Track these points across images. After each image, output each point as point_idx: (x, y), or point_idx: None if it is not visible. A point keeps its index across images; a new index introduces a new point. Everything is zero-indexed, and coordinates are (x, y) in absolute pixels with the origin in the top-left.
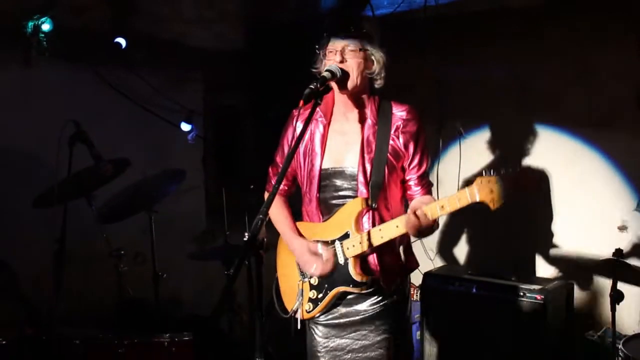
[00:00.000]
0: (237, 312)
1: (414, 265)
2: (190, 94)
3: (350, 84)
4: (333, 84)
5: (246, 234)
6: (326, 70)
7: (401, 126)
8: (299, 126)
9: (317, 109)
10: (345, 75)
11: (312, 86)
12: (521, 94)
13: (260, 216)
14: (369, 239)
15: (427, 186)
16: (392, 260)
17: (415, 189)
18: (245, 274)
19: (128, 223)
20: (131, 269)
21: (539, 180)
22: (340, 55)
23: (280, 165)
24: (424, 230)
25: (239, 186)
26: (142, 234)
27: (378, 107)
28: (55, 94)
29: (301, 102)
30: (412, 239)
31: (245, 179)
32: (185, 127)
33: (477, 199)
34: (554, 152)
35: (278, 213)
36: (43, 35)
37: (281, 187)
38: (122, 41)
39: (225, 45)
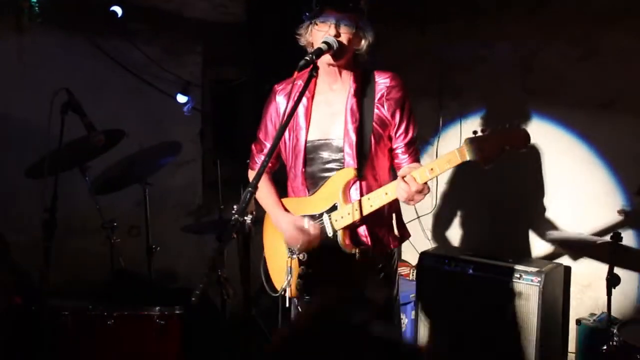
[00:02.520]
0: (223, 285)
1: (406, 235)
2: (188, 66)
3: (344, 57)
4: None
5: (235, 206)
6: (323, 42)
7: (385, 93)
8: (281, 101)
9: (299, 82)
10: (341, 47)
11: (307, 57)
12: (524, 73)
13: (250, 189)
14: (357, 209)
15: (414, 154)
16: (383, 230)
17: (402, 157)
18: (235, 249)
19: (122, 195)
20: (124, 241)
21: (529, 137)
22: (335, 29)
23: (264, 142)
24: (414, 195)
25: (235, 160)
26: (136, 207)
27: (362, 77)
28: (49, 62)
29: (295, 73)
30: (411, 217)
31: (241, 153)
32: (181, 98)
33: (467, 158)
34: (555, 133)
35: (263, 190)
36: (35, 0)
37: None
38: (118, 9)
39: (225, 18)
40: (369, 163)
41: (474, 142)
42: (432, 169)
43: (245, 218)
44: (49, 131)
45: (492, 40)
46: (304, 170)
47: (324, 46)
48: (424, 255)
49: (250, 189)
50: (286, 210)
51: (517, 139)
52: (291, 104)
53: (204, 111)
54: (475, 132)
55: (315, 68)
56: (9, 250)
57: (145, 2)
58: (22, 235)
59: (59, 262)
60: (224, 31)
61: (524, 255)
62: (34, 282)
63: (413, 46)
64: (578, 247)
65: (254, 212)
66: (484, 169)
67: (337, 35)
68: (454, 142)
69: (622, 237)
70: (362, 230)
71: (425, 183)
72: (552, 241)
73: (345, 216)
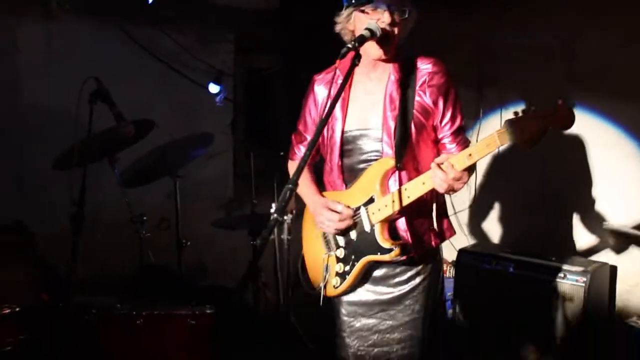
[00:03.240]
0: (261, 289)
1: (449, 232)
2: (220, 54)
3: (392, 44)
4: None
5: (273, 204)
6: (365, 29)
7: (427, 80)
8: (320, 91)
9: (337, 71)
10: (387, 34)
11: (349, 45)
12: (566, 60)
13: (290, 186)
14: (395, 200)
15: (463, 143)
16: (424, 224)
17: (450, 147)
18: (272, 248)
19: (152, 188)
20: (154, 235)
21: (573, 116)
22: (390, 16)
23: (303, 134)
24: (453, 183)
25: (269, 152)
26: (166, 200)
27: (402, 63)
28: (78, 49)
29: (337, 62)
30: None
31: (275, 145)
32: (213, 88)
33: (508, 141)
34: (600, 124)
35: (302, 180)
36: None
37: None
38: None
39: (258, 4)
40: (409, 153)
41: (514, 124)
42: (470, 155)
43: (285, 217)
44: (77, 121)
45: (532, 26)
46: (340, 163)
47: (366, 33)
48: (462, 253)
49: (290, 185)
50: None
51: (560, 118)
52: (333, 93)
53: (236, 101)
54: (516, 113)
55: (358, 56)
56: (35, 243)
57: None
58: (50, 228)
59: (87, 256)
60: (256, 18)
61: (567, 252)
62: (61, 276)
63: (452, 32)
64: (625, 244)
65: (294, 211)
66: (528, 154)
67: (392, 22)
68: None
69: None
70: (402, 224)
71: (464, 170)
72: (597, 238)
73: (383, 208)
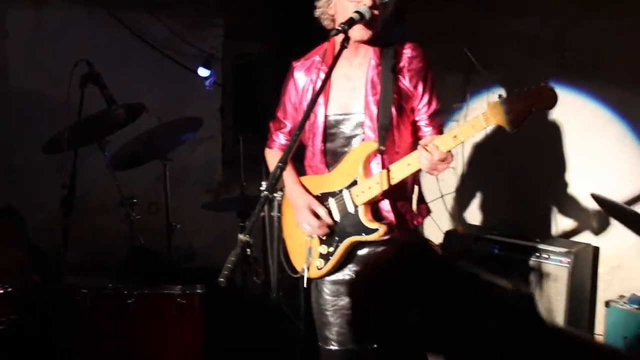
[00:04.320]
0: (252, 265)
1: (426, 212)
2: (209, 39)
3: (375, 28)
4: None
5: (263, 183)
6: (355, 12)
7: (406, 64)
8: (299, 77)
9: (317, 57)
10: (374, 18)
11: (339, 27)
12: (558, 48)
13: (280, 164)
14: (378, 182)
15: (438, 126)
16: (406, 206)
17: (426, 130)
18: (261, 226)
19: (141, 172)
20: (144, 218)
21: (556, 96)
22: (371, 0)
23: (282, 121)
24: (437, 164)
25: (257, 136)
26: (155, 184)
27: (382, 49)
28: (67, 35)
29: (323, 44)
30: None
31: (263, 130)
32: (203, 72)
33: (493, 122)
34: (588, 109)
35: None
36: None
37: (283, 143)
38: None
39: None
40: (390, 136)
41: (499, 105)
42: (455, 136)
43: (275, 195)
44: (68, 105)
45: (524, 13)
46: (323, 147)
47: (356, 16)
48: (448, 235)
49: (280, 164)
50: (305, 189)
51: (544, 98)
52: (320, 77)
53: (225, 86)
54: (500, 96)
55: (347, 39)
56: (26, 227)
57: None
58: (40, 212)
59: (77, 239)
60: (245, 4)
61: (551, 234)
62: (52, 260)
63: (442, 19)
64: (607, 227)
65: (284, 189)
66: (513, 139)
67: (373, 5)
68: None
69: None
70: (385, 205)
71: (449, 151)
72: (581, 220)
73: (367, 190)
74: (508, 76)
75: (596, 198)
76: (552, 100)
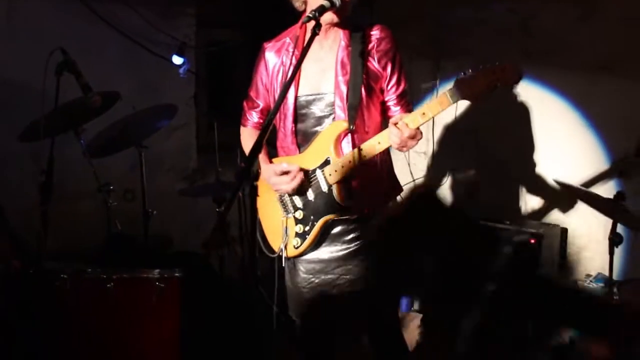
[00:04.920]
0: (230, 243)
1: (398, 189)
2: (182, 28)
3: (344, 14)
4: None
5: (241, 164)
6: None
7: (375, 45)
8: (271, 58)
9: (288, 39)
10: (344, 4)
11: (310, 14)
12: (522, 35)
13: (257, 147)
14: (350, 160)
15: (406, 105)
16: (376, 183)
17: (394, 109)
18: (237, 207)
19: (117, 158)
20: (120, 205)
21: (520, 72)
22: None
23: (255, 100)
24: (407, 141)
25: (231, 123)
26: (132, 170)
27: (351, 31)
28: (42, 23)
29: (296, 26)
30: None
31: (237, 117)
32: (177, 60)
33: (459, 98)
34: (549, 96)
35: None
36: None
37: (256, 121)
38: None
39: None
40: (360, 115)
41: (464, 82)
42: (423, 113)
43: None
44: (44, 92)
45: (490, 1)
46: (294, 127)
47: (327, 4)
48: None
49: (256, 147)
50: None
51: (508, 73)
52: (292, 61)
53: (198, 74)
54: (464, 72)
55: (318, 26)
56: (4, 214)
57: None
58: (18, 199)
59: (54, 226)
60: None
61: (519, 216)
62: (31, 246)
63: (410, 7)
64: (575, 208)
65: (260, 171)
66: (480, 123)
67: None
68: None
69: (625, 197)
70: (356, 183)
71: (418, 128)
72: (549, 201)
73: (339, 169)
74: (477, 63)
75: (559, 183)
76: (516, 76)
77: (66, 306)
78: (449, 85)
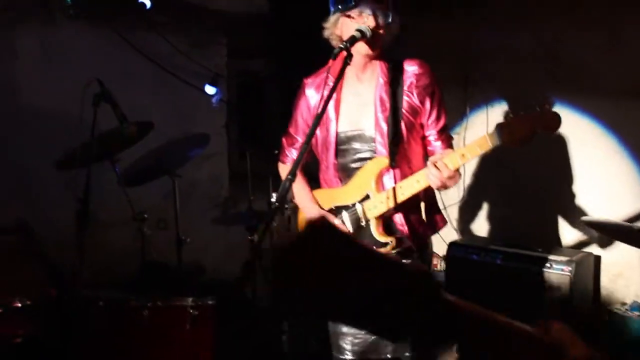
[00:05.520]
0: (264, 273)
1: (441, 223)
2: (213, 58)
3: (378, 46)
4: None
5: (274, 194)
6: (357, 30)
7: (414, 81)
8: (311, 94)
9: (328, 74)
10: (375, 36)
11: (341, 45)
12: (549, 62)
13: (289, 177)
14: (390, 197)
15: (447, 140)
16: (418, 217)
17: (435, 144)
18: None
19: (151, 187)
20: (154, 233)
21: (559, 120)
22: (374, 20)
23: (294, 136)
24: (446, 181)
25: (262, 152)
26: (165, 198)
27: (389, 66)
28: (79, 55)
29: (330, 61)
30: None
31: (268, 145)
32: (210, 90)
33: (498, 143)
34: (581, 122)
35: (296, 183)
36: None
37: (296, 156)
38: (146, 1)
39: (249, 9)
40: (401, 151)
41: (504, 127)
42: (463, 155)
43: (285, 206)
44: (81, 122)
45: (516, 28)
46: (335, 162)
47: (357, 34)
48: (452, 246)
49: (289, 177)
50: (317, 202)
51: (548, 121)
52: (326, 94)
53: (230, 103)
54: (506, 116)
55: (350, 56)
56: (40, 241)
57: None
58: (53, 227)
59: (89, 254)
60: (248, 22)
61: (553, 244)
62: (67, 273)
63: (437, 36)
64: (613, 232)
65: (294, 200)
66: (514, 152)
67: (376, 25)
68: (481, 131)
69: None
70: (398, 218)
71: (457, 169)
72: (588, 224)
73: (378, 205)
74: (505, 91)
75: (588, 223)
76: (555, 123)
77: (102, 333)
78: (479, 114)
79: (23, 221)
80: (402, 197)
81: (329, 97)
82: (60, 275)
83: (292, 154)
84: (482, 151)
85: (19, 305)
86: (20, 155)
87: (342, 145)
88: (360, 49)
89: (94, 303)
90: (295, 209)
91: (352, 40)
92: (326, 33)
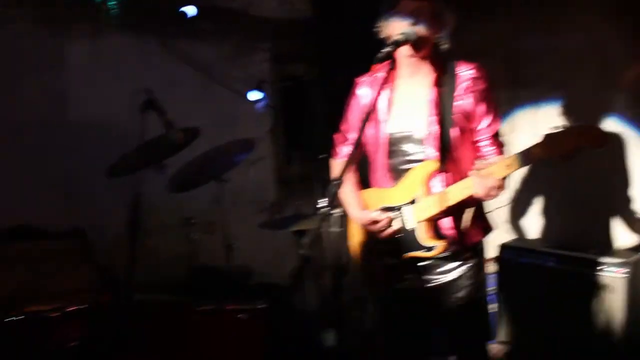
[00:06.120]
0: (315, 277)
1: (488, 228)
2: (257, 63)
3: (424, 48)
4: (402, 48)
5: (321, 199)
6: (400, 34)
7: (471, 85)
8: (362, 93)
9: (379, 74)
10: (419, 38)
11: (384, 50)
12: (599, 65)
13: (337, 182)
14: (437, 202)
15: (500, 146)
16: (466, 222)
17: (489, 149)
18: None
19: (198, 192)
20: (202, 237)
21: (607, 135)
22: (414, 18)
23: (346, 134)
24: (491, 191)
25: (307, 156)
26: (212, 203)
27: (443, 68)
28: (123, 63)
29: (373, 67)
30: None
31: (313, 149)
32: (255, 95)
33: (543, 155)
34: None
35: (345, 190)
36: (113, 3)
37: (346, 154)
38: (189, 10)
39: (291, 14)
40: (452, 155)
41: (550, 139)
42: (508, 165)
43: (336, 210)
44: (131, 130)
45: (565, 29)
46: (387, 162)
47: (401, 37)
48: (504, 248)
49: (337, 182)
50: (366, 203)
51: (593, 138)
52: (374, 96)
53: (274, 108)
54: (553, 129)
55: (392, 59)
56: (92, 247)
57: (211, 2)
58: (104, 233)
59: (139, 260)
60: (291, 28)
61: (607, 247)
62: (120, 278)
63: (483, 36)
64: None
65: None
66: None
67: (417, 23)
68: (527, 136)
69: None
70: (446, 222)
71: (503, 179)
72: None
73: (425, 209)
74: (551, 92)
75: None
76: (601, 141)
77: (154, 337)
78: (524, 115)
79: (78, 227)
80: (450, 202)
81: (375, 100)
82: (115, 279)
83: (343, 151)
84: (525, 165)
85: (75, 309)
86: (72, 163)
87: (393, 146)
88: (406, 52)
89: (146, 307)
90: (346, 212)
91: (396, 44)
92: (382, 34)
